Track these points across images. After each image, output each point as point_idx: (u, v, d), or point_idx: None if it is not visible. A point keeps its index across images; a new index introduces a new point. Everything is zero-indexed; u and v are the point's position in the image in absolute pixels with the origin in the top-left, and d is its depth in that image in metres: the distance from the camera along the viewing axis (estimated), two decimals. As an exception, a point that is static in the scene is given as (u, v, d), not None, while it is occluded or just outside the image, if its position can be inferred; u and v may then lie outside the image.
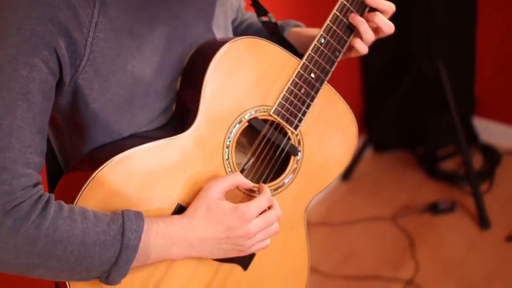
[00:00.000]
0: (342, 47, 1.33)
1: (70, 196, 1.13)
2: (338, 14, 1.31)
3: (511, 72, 3.28)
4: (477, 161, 3.27)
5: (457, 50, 3.25)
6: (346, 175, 3.24)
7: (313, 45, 1.30)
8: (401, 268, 2.75)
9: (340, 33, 1.32)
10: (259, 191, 1.25)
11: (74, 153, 1.24)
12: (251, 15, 1.56)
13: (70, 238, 1.06)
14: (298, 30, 1.48)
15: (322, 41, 1.30)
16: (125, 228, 1.09)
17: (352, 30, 1.33)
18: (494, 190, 3.12)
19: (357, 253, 2.85)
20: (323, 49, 1.31)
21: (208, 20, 1.30)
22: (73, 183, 1.19)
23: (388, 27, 1.33)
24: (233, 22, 1.51)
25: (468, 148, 3.08)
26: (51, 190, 1.29)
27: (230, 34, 1.39)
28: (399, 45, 3.02)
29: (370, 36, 1.33)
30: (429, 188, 3.19)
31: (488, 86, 3.38)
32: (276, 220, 1.24)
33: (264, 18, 1.39)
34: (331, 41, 1.31)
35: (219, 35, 1.32)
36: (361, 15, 1.33)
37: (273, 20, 1.38)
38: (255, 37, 1.27)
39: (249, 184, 1.24)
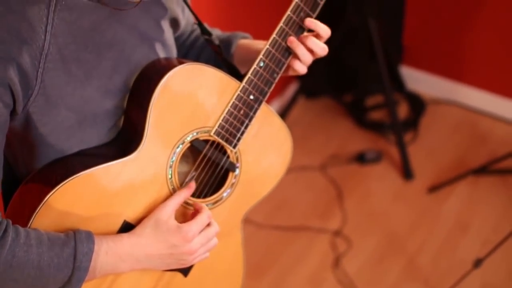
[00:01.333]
0: (280, 69, 1.39)
1: (24, 216, 1.22)
2: (277, 38, 1.36)
3: (439, 23, 3.36)
4: (404, 110, 3.40)
5: (388, 3, 3.32)
6: (278, 122, 3.32)
7: (252, 68, 1.36)
8: (329, 219, 2.88)
9: (279, 56, 1.37)
10: (198, 210, 1.34)
11: (27, 166, 1.31)
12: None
13: (26, 263, 1.15)
14: (245, 43, 1.52)
15: (262, 64, 1.36)
16: (77, 251, 1.19)
17: (289, 52, 1.38)
18: (419, 140, 3.25)
19: (287, 203, 2.96)
20: (262, 72, 1.37)
21: (152, 41, 1.35)
22: (27, 201, 1.26)
23: (322, 50, 1.39)
24: (181, 35, 1.56)
25: (393, 96, 3.19)
26: (5, 199, 1.38)
27: (174, 49, 1.44)
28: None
29: (307, 58, 1.39)
30: (357, 137, 3.30)
31: (416, 35, 3.46)
32: (215, 235, 1.36)
33: (208, 37, 1.44)
34: (270, 64, 1.37)
35: (163, 52, 1.37)
36: (299, 36, 1.39)
37: (217, 42, 1.43)
38: (197, 63, 1.33)
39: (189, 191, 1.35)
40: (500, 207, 2.87)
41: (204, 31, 1.44)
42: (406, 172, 3.04)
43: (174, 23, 1.43)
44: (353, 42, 3.27)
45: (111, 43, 1.26)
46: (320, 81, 3.43)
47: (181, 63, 1.30)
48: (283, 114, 3.32)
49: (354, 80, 3.45)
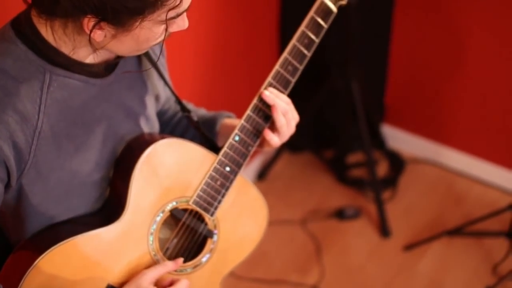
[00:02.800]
0: (254, 142, 1.49)
1: (15, 279, 1.31)
2: (251, 114, 1.47)
3: (421, 84, 3.46)
4: (383, 167, 3.49)
5: (371, 62, 3.42)
6: (261, 175, 3.42)
7: (228, 142, 1.46)
8: (307, 273, 2.95)
9: (253, 130, 1.48)
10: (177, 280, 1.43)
11: (18, 234, 1.40)
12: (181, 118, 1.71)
13: None
14: (229, 122, 1.63)
15: (237, 138, 1.46)
16: None
17: (263, 127, 1.49)
18: (397, 198, 3.33)
19: (267, 255, 3.03)
20: (238, 145, 1.47)
21: (137, 115, 1.45)
22: (18, 265, 1.35)
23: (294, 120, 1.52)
24: (166, 111, 1.66)
25: (373, 154, 3.28)
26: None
27: (156, 123, 1.54)
28: (315, 59, 3.16)
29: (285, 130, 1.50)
30: (337, 193, 3.38)
31: (398, 95, 3.56)
32: None
33: (188, 114, 1.55)
34: (245, 138, 1.47)
35: (147, 125, 1.47)
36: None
37: (195, 118, 1.54)
38: (176, 138, 1.44)
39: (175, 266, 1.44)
40: (472, 268, 2.94)
41: (183, 108, 1.55)
42: (383, 230, 3.12)
43: (156, 98, 1.53)
44: (335, 101, 3.37)
45: (99, 119, 1.36)
46: (303, 137, 3.52)
47: (162, 138, 1.41)
48: (267, 167, 3.41)
49: (336, 137, 3.54)
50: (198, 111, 1.64)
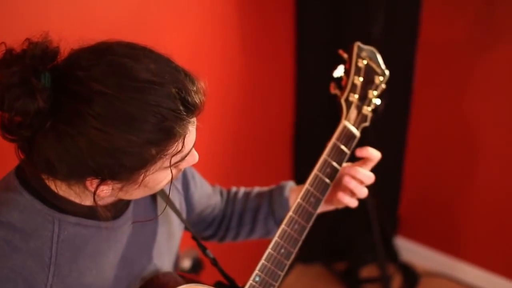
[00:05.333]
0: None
1: None
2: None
3: (435, 196, 3.42)
4: (397, 281, 3.41)
5: (385, 174, 3.39)
6: (272, 287, 3.34)
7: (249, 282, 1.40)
8: None
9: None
10: None
11: None
12: (236, 190, 1.70)
13: None
14: (296, 187, 1.62)
15: (257, 279, 1.41)
16: None
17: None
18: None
19: None
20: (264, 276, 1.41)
21: (150, 252, 1.39)
22: None
23: (369, 179, 1.53)
24: (211, 212, 1.64)
25: (387, 267, 3.20)
26: None
27: (173, 254, 1.49)
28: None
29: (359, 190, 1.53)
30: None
31: (412, 207, 3.52)
32: None
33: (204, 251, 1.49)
34: (266, 278, 1.42)
35: (160, 259, 1.42)
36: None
37: (211, 255, 1.49)
38: (193, 284, 1.37)
39: None
40: None
41: (200, 245, 1.49)
42: None
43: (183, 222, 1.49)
44: (349, 213, 3.32)
45: (112, 262, 1.30)
46: (315, 248, 3.47)
47: (177, 284, 1.34)
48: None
49: (349, 249, 3.48)
50: (254, 190, 1.61)
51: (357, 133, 1.52)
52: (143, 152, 1.11)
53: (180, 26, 2.33)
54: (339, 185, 1.52)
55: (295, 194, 1.59)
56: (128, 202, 1.33)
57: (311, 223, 1.47)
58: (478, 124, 3.07)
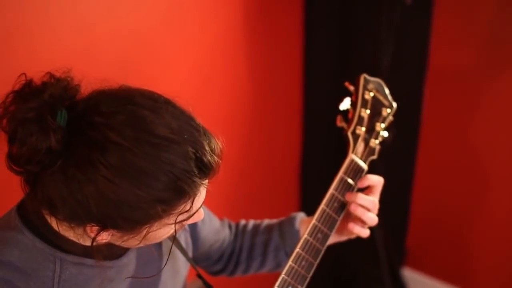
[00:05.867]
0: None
1: None
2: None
3: (442, 227, 3.40)
4: (405, 314, 3.38)
5: (392, 206, 3.37)
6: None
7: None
8: None
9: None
10: None
11: None
12: (245, 223, 1.68)
13: None
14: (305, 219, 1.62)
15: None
16: None
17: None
18: None
19: None
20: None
21: (157, 285, 1.37)
22: None
23: (374, 205, 1.49)
24: (222, 242, 1.62)
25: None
26: None
27: (181, 276, 1.47)
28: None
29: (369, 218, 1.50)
30: None
31: (419, 238, 3.49)
32: None
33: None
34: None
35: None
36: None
37: None
38: None
39: None
40: None
41: (205, 283, 1.47)
42: None
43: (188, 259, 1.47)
44: (356, 244, 3.30)
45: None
46: (320, 280, 3.43)
47: None
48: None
49: (355, 281, 3.44)
50: (263, 222, 1.60)
51: (364, 166, 1.50)
52: (150, 208, 1.08)
53: (189, 63, 2.33)
54: (349, 216, 1.50)
55: (305, 226, 1.57)
56: None
57: (318, 260, 1.45)
58: (488, 155, 3.05)
